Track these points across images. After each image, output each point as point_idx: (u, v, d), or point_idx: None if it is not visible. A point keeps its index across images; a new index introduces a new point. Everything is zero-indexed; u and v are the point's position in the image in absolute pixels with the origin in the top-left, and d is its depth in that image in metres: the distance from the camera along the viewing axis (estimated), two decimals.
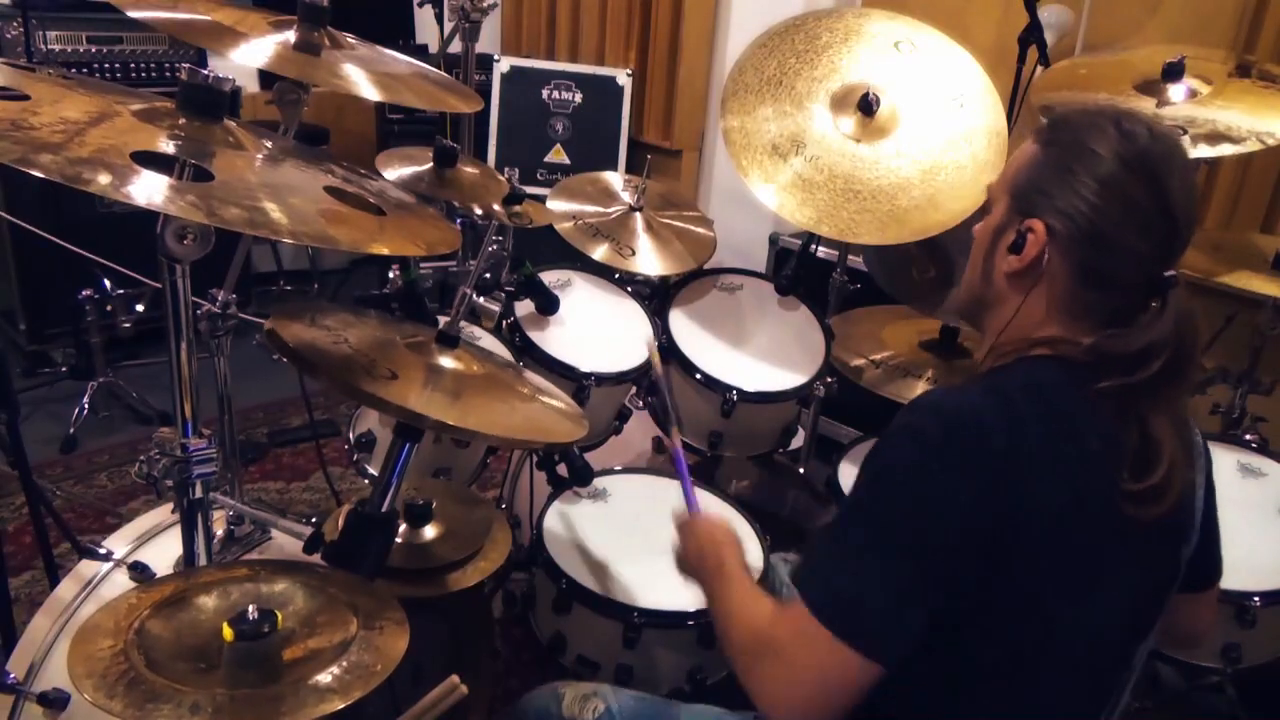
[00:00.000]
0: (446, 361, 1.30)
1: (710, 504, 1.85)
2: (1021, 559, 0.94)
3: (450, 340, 1.33)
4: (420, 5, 3.03)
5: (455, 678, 1.12)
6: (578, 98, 3.92)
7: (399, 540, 1.46)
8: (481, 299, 2.00)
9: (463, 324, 1.41)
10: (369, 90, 1.39)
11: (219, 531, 1.50)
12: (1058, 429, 0.95)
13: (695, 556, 1.22)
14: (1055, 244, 0.99)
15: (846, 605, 0.93)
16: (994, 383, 1.01)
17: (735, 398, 1.92)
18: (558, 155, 3.96)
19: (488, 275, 1.90)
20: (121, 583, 1.39)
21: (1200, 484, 1.08)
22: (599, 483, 1.81)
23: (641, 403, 2.10)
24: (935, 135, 1.92)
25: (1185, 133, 1.73)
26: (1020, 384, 0.99)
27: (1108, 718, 1.08)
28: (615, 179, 2.28)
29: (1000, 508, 0.92)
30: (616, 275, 2.14)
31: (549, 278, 1.97)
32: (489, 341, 1.85)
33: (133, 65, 3.34)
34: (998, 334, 1.06)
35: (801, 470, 2.36)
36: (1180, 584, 1.10)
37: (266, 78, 3.88)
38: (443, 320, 1.39)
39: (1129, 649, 1.07)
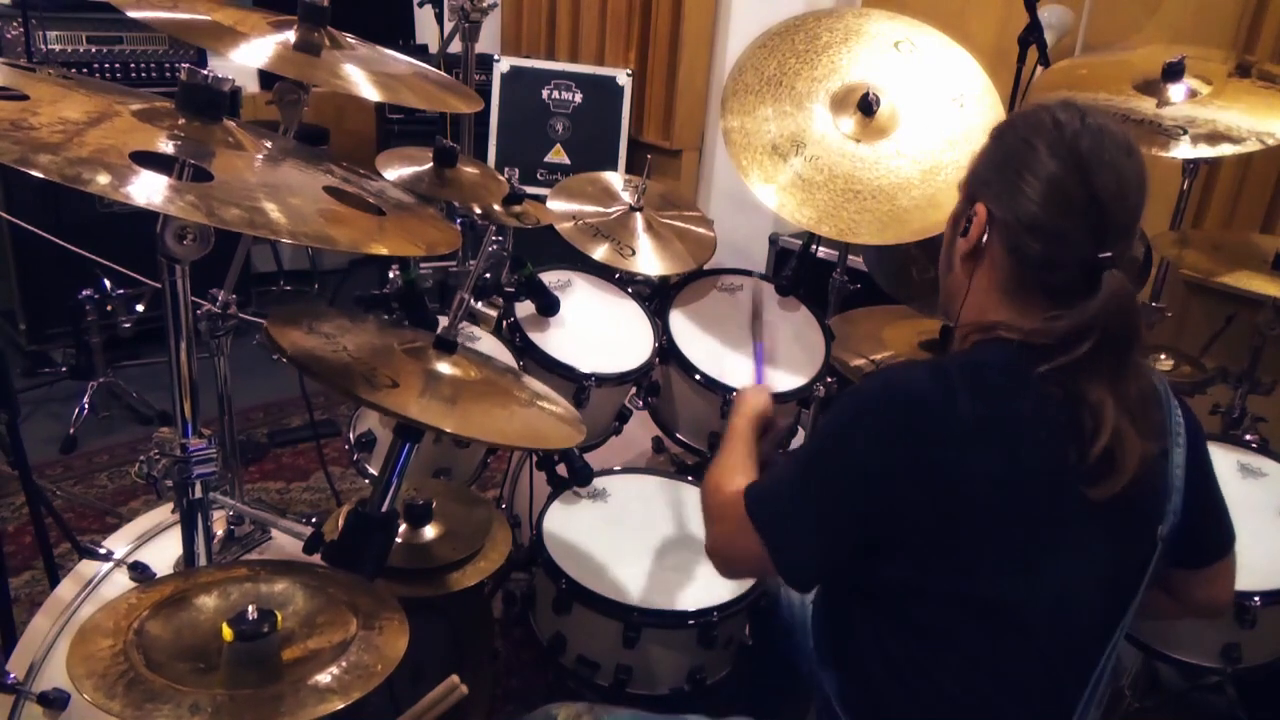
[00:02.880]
0: (444, 367, 1.30)
1: None
2: (963, 527, 1.00)
3: (448, 346, 1.33)
4: (420, 5, 3.03)
5: (455, 678, 1.12)
6: (578, 98, 3.92)
7: (399, 540, 1.46)
8: (479, 304, 1.99)
9: (462, 324, 1.41)
10: (369, 90, 1.39)
11: (219, 531, 1.50)
12: (990, 404, 1.00)
13: (730, 414, 1.44)
14: (994, 226, 1.06)
15: (771, 517, 1.11)
16: (940, 362, 1.11)
17: (735, 398, 1.92)
18: (558, 155, 3.96)
19: (487, 276, 1.90)
20: (121, 583, 1.39)
21: (1177, 460, 1.09)
22: (599, 483, 1.81)
23: (641, 403, 2.10)
24: (935, 135, 1.91)
25: (1185, 133, 1.73)
26: (961, 362, 1.07)
27: (1091, 697, 1.09)
28: (615, 179, 2.28)
29: (932, 479, 0.99)
30: (616, 275, 2.13)
31: (549, 278, 1.97)
32: (489, 342, 1.85)
33: (133, 65, 3.34)
34: (959, 314, 1.13)
35: None
36: (1181, 560, 1.14)
37: (266, 78, 3.88)
38: (442, 321, 1.39)
39: (1105, 627, 1.09)
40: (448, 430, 1.13)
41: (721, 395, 1.93)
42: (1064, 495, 1.01)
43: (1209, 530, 1.19)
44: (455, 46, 2.32)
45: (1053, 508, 1.02)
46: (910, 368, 1.11)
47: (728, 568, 1.23)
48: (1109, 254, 1.00)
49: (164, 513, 1.54)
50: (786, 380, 2.01)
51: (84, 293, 2.84)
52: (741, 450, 1.34)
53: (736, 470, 1.27)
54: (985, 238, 1.07)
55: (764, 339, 1.63)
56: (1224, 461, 1.79)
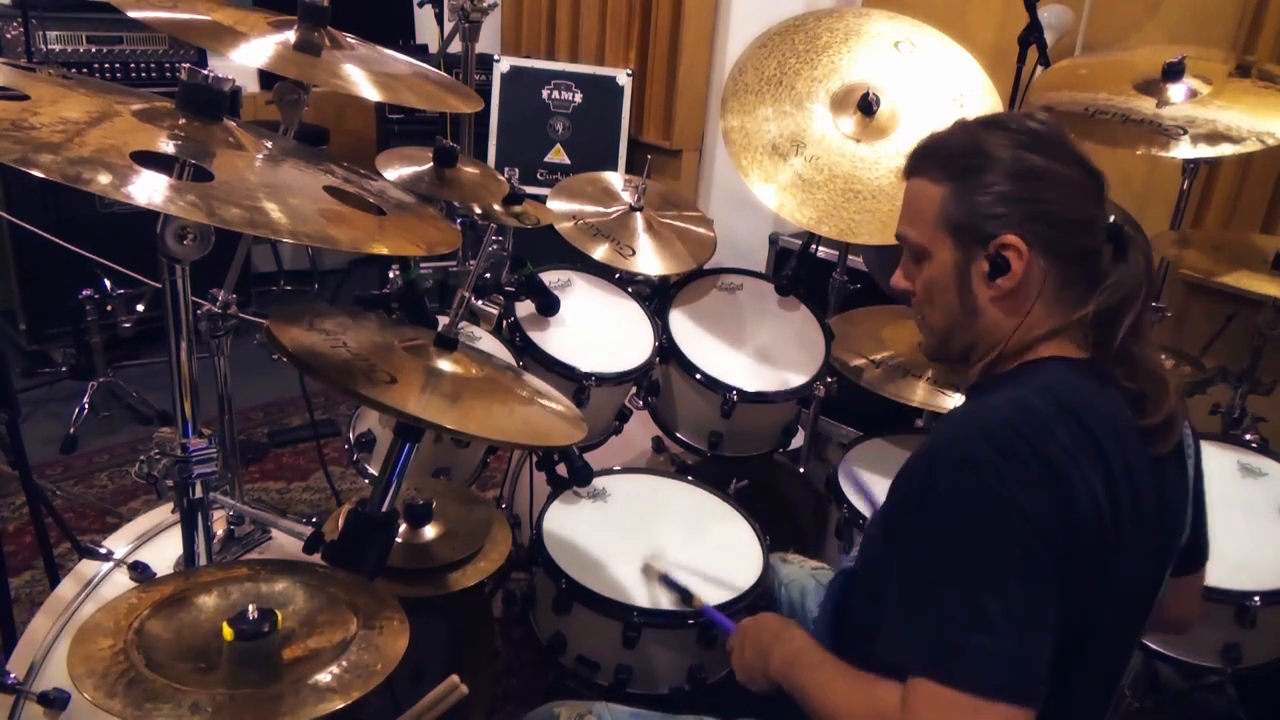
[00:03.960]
0: (445, 365, 1.30)
1: (710, 504, 1.85)
2: (1086, 554, 0.94)
3: (448, 343, 1.33)
4: (420, 5, 3.03)
5: (455, 678, 1.12)
6: (578, 98, 3.92)
7: (399, 540, 1.46)
8: (480, 303, 2.00)
9: (462, 324, 1.41)
10: (369, 90, 1.39)
11: (219, 531, 1.50)
12: (1073, 424, 0.96)
13: (758, 652, 1.16)
14: (1035, 248, 1.02)
15: (984, 658, 0.87)
16: (1009, 394, 1.01)
17: (735, 398, 1.93)
18: (558, 155, 3.96)
19: (487, 275, 1.90)
20: (121, 583, 1.39)
21: (1190, 471, 1.09)
22: (599, 483, 1.81)
23: (641, 403, 2.10)
24: None
25: (1185, 133, 1.73)
26: (1032, 388, 1.00)
27: (1114, 705, 1.09)
28: (615, 179, 2.28)
29: (1069, 510, 0.92)
30: (616, 275, 2.14)
31: (549, 278, 1.97)
32: (488, 342, 1.85)
33: (133, 65, 3.34)
34: (998, 348, 1.07)
35: (801, 470, 2.36)
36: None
37: (266, 78, 3.88)
38: (442, 321, 1.39)
39: (1139, 630, 1.09)
40: (447, 427, 1.13)
41: (722, 394, 1.93)
42: (1132, 501, 0.98)
43: (1199, 537, 1.17)
44: (455, 46, 2.32)
45: (1127, 517, 0.98)
46: (987, 411, 0.99)
47: None
48: (1114, 219, 1.03)
49: (164, 513, 1.54)
50: (787, 379, 2.01)
51: (84, 293, 2.84)
52: (845, 667, 1.04)
53: (870, 683, 0.98)
54: (1036, 263, 1.02)
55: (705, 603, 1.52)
56: (1224, 461, 1.79)
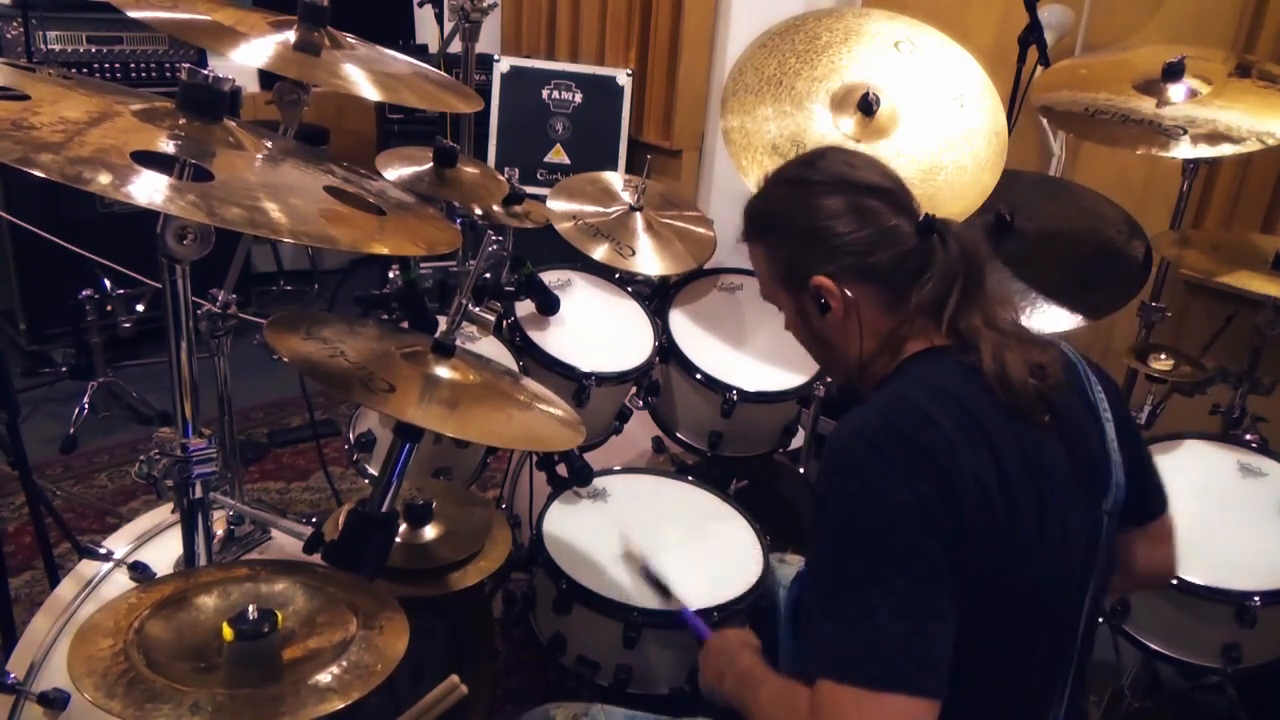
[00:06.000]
0: (443, 371, 1.30)
1: (710, 503, 1.85)
2: (979, 533, 0.96)
3: (446, 350, 1.33)
4: (420, 5, 3.03)
5: (455, 678, 1.12)
6: (578, 98, 3.92)
7: (399, 540, 1.46)
8: (476, 309, 2.00)
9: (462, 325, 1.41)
10: (369, 90, 1.39)
11: (219, 531, 1.50)
12: (952, 407, 1.00)
13: (716, 674, 1.20)
14: (842, 279, 1.10)
15: (872, 652, 0.92)
16: (885, 393, 1.07)
17: (735, 398, 1.93)
18: (558, 155, 3.96)
19: (487, 276, 1.90)
20: (121, 583, 1.39)
21: (1110, 435, 1.11)
22: (599, 483, 1.81)
23: (641, 403, 2.10)
24: (935, 135, 1.92)
25: (1185, 133, 1.73)
26: (905, 382, 1.07)
27: (1078, 683, 1.10)
28: (615, 179, 2.28)
29: (952, 495, 0.95)
30: (616, 275, 2.14)
31: (549, 278, 1.97)
32: (488, 343, 1.85)
33: (133, 65, 3.34)
34: (861, 363, 1.14)
35: (801, 470, 2.36)
36: (1125, 520, 1.14)
37: (266, 78, 3.88)
38: (441, 323, 1.39)
39: (1080, 600, 1.09)
40: (448, 435, 1.13)
41: (722, 394, 1.93)
42: (1034, 470, 1.01)
43: (1147, 485, 1.19)
44: (455, 46, 2.31)
45: (1031, 486, 1.00)
46: (867, 412, 1.03)
47: None
48: (925, 215, 1.10)
49: (164, 513, 1.54)
50: (787, 379, 2.01)
51: (84, 293, 2.84)
52: (774, 680, 1.09)
53: (790, 690, 1.03)
54: (847, 293, 1.10)
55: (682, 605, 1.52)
56: (1224, 461, 1.79)
